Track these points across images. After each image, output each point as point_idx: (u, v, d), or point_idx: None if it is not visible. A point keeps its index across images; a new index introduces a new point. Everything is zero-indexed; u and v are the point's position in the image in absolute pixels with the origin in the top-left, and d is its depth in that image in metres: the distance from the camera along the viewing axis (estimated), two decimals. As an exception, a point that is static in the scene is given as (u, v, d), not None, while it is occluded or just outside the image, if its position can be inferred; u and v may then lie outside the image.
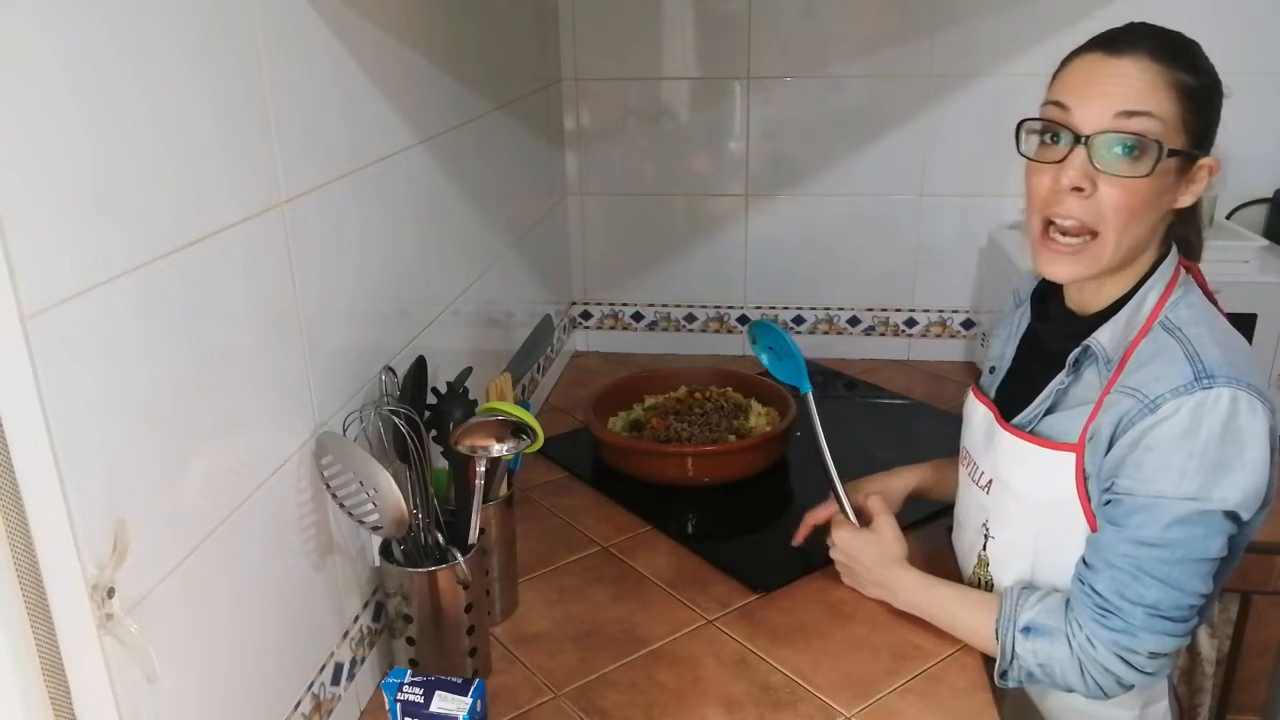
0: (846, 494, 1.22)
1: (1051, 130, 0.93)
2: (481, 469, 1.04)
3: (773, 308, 2.00)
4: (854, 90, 1.83)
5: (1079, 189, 0.91)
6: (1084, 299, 1.02)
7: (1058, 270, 0.96)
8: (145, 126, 0.68)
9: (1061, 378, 1.00)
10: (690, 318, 2.03)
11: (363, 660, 1.05)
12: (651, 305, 2.04)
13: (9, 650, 0.59)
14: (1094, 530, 0.97)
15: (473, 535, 1.05)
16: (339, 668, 1.00)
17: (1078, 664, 0.96)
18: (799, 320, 2.00)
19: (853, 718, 1.02)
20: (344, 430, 0.99)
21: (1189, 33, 0.93)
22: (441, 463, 1.12)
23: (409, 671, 0.95)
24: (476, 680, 0.94)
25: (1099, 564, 0.95)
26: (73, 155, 0.62)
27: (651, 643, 1.14)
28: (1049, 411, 1.01)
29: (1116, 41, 0.91)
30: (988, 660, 1.07)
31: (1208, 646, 1.42)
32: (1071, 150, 0.91)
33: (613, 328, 2.06)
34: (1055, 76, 0.95)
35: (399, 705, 0.92)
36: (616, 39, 1.86)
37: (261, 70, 0.83)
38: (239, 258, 0.80)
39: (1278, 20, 1.66)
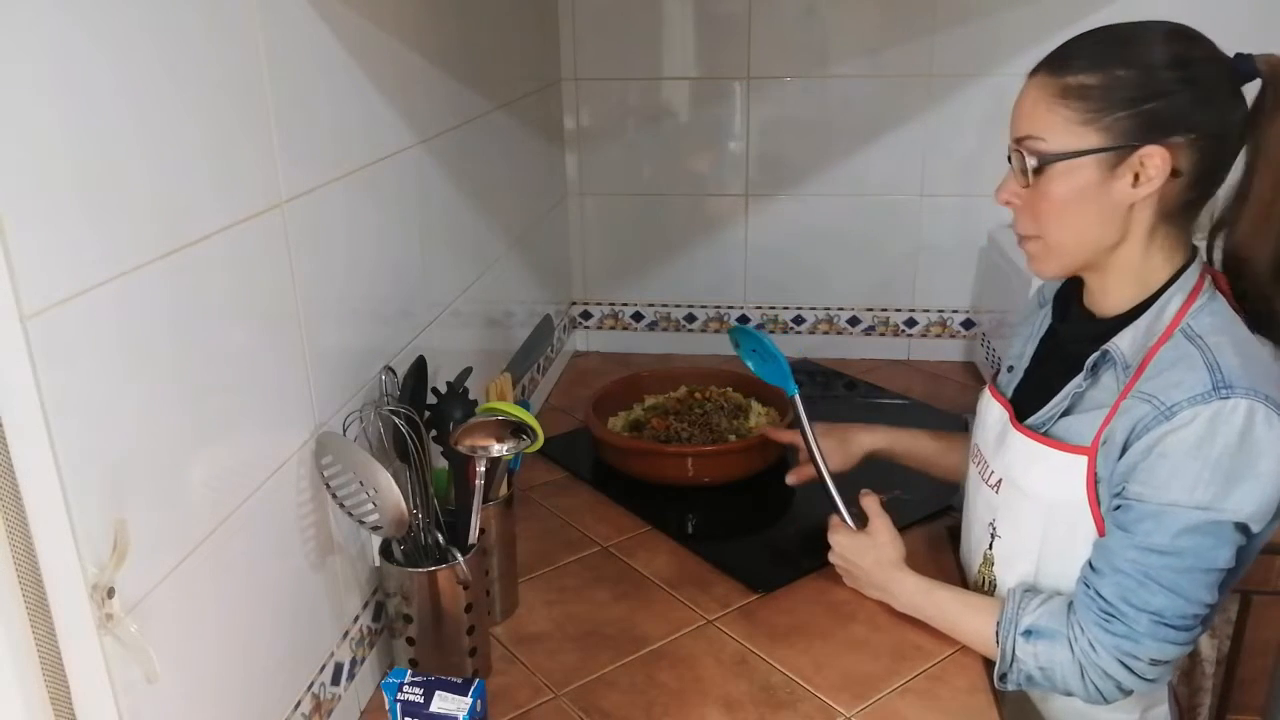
0: (838, 487, 1.22)
1: None
2: (481, 469, 1.04)
3: (773, 308, 2.00)
4: (854, 90, 1.83)
5: (1010, 203, 0.99)
6: (1096, 301, 1.02)
7: (1035, 269, 1.02)
8: (146, 126, 0.68)
9: (1079, 381, 0.99)
10: (690, 318, 2.03)
11: (363, 660, 1.05)
12: (651, 305, 2.04)
13: (9, 650, 0.59)
14: (1102, 535, 0.97)
15: (473, 535, 1.05)
16: (339, 668, 1.00)
17: (1078, 668, 0.96)
18: (799, 320, 2.00)
19: (853, 718, 1.02)
20: (344, 430, 0.99)
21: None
22: (441, 463, 1.12)
23: (409, 671, 0.95)
24: (476, 680, 0.94)
25: (1105, 569, 0.95)
26: (73, 155, 0.62)
27: (651, 643, 1.14)
28: (1065, 414, 1.01)
29: (1036, 65, 0.96)
30: (988, 661, 1.06)
31: (1208, 646, 1.42)
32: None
33: (613, 328, 2.06)
34: None
35: (399, 705, 0.92)
36: (616, 39, 1.86)
37: (261, 70, 0.83)
38: (239, 257, 0.80)
39: (1278, 20, 1.66)
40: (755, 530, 1.40)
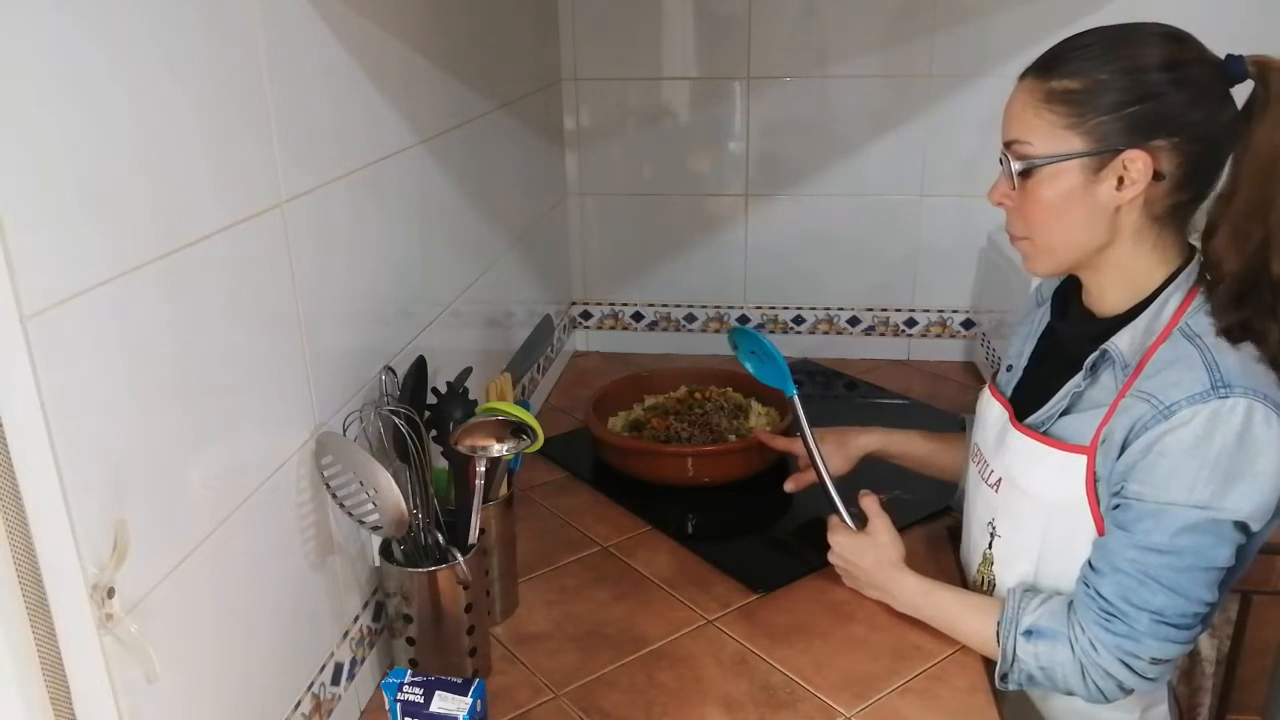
0: (838, 490, 1.22)
1: None
2: (481, 469, 1.04)
3: (773, 308, 2.00)
4: (854, 90, 1.83)
5: (1002, 204, 1.00)
6: (1094, 300, 1.02)
7: (1028, 268, 1.03)
8: (145, 127, 0.68)
9: (1078, 380, 0.99)
10: (690, 318, 2.03)
11: (363, 660, 1.05)
12: (651, 305, 2.04)
13: (9, 650, 0.59)
14: (1101, 534, 0.97)
15: (473, 535, 1.05)
16: (339, 668, 1.00)
17: (1079, 667, 0.96)
18: (799, 320, 2.00)
19: (853, 718, 1.02)
20: (344, 430, 0.99)
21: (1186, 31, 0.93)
22: (441, 463, 1.12)
23: (409, 671, 0.95)
24: (476, 680, 0.94)
25: (1105, 568, 0.95)
26: (73, 156, 0.62)
27: (651, 643, 1.14)
28: (1064, 413, 1.01)
29: (1026, 69, 0.97)
30: (988, 661, 1.06)
31: (1208, 646, 1.42)
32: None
33: (613, 328, 2.06)
34: None
35: (399, 705, 0.92)
36: (616, 39, 1.86)
37: (261, 70, 0.83)
38: (239, 258, 0.80)
39: (1278, 19, 1.66)
40: (755, 530, 1.40)
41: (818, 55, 1.82)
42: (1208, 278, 0.94)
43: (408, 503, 0.96)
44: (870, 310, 1.98)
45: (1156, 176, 0.91)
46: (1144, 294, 0.97)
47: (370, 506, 0.93)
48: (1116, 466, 0.94)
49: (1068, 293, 1.08)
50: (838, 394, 1.84)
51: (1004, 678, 1.02)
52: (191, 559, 0.75)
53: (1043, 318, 1.12)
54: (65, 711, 0.63)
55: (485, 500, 1.07)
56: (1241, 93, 0.92)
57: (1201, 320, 0.93)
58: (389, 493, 0.91)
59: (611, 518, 1.41)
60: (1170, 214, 0.95)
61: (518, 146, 1.63)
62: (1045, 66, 0.94)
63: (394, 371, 1.08)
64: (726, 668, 1.09)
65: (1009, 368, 1.14)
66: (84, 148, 0.63)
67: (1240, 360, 0.90)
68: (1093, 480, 0.97)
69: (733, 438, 1.49)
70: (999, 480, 1.06)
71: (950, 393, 1.81)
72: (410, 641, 1.04)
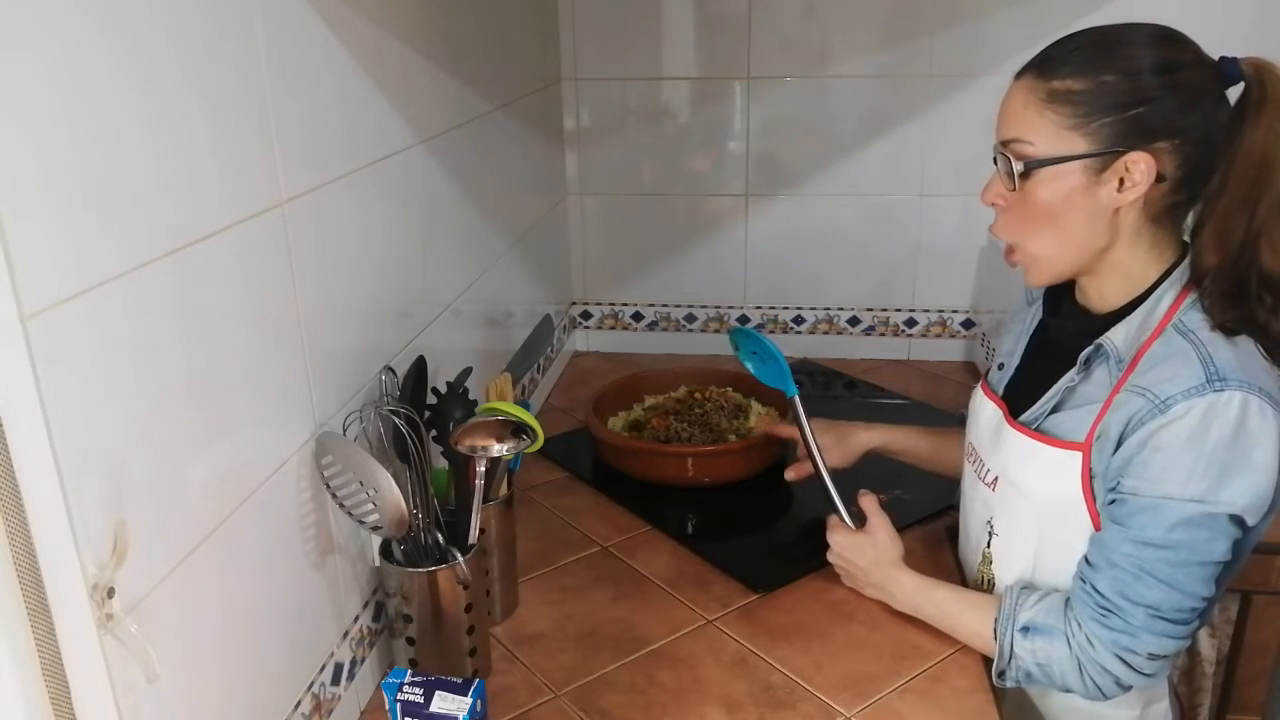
0: (836, 486, 1.22)
1: None
2: (481, 469, 1.04)
3: (773, 308, 2.00)
4: (854, 90, 1.83)
5: (995, 205, 1.00)
6: (1088, 297, 1.02)
7: (1027, 279, 1.03)
8: (145, 127, 0.68)
9: (1071, 375, 1.00)
10: (690, 318, 2.03)
11: (363, 660, 1.05)
12: (651, 305, 2.04)
13: (9, 650, 0.59)
14: (1098, 529, 0.97)
15: (473, 535, 1.05)
16: (339, 668, 1.00)
17: (1076, 664, 0.96)
18: (799, 320, 2.00)
19: (853, 718, 1.02)
20: (344, 430, 0.99)
21: (1187, 32, 0.93)
22: (441, 463, 1.12)
23: (409, 671, 0.95)
24: (476, 680, 0.94)
25: (1101, 563, 0.95)
26: (73, 156, 0.62)
27: (651, 643, 1.14)
28: (1055, 409, 1.01)
29: (1022, 68, 0.96)
30: (988, 660, 1.07)
31: (1208, 646, 1.42)
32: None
33: (613, 328, 2.06)
34: None
35: (399, 705, 0.92)
36: (616, 39, 1.86)
37: (261, 70, 0.83)
38: (239, 258, 0.80)
39: (1277, 19, 1.66)
40: (755, 530, 1.40)
41: (818, 55, 1.82)
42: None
43: (408, 503, 0.96)
44: (870, 310, 1.98)
45: (1158, 178, 0.91)
46: (1139, 291, 0.98)
47: (370, 506, 0.93)
48: (1112, 462, 0.94)
49: (1059, 290, 1.08)
50: (838, 394, 1.84)
51: (1001, 675, 1.02)
52: (192, 559, 0.75)
53: (1034, 315, 1.13)
54: (65, 711, 0.63)
55: (485, 500, 1.07)
56: (1232, 93, 0.93)
57: (1195, 316, 0.94)
58: (389, 493, 0.91)
59: (611, 518, 1.41)
60: (1167, 214, 0.95)
61: (518, 146, 1.63)
62: (1047, 66, 0.94)
63: (394, 371, 1.08)
64: (726, 668, 1.10)
65: (1000, 366, 1.14)
66: (82, 150, 0.63)
67: (1235, 354, 0.90)
68: (1088, 476, 0.97)
69: (733, 438, 1.49)
70: (995, 479, 1.06)
71: (950, 393, 1.81)
72: (410, 641, 1.04)
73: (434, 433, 1.10)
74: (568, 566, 1.30)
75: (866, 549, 1.16)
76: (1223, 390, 0.88)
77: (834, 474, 1.24)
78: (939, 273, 1.92)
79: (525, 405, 1.16)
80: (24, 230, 0.57)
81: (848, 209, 1.90)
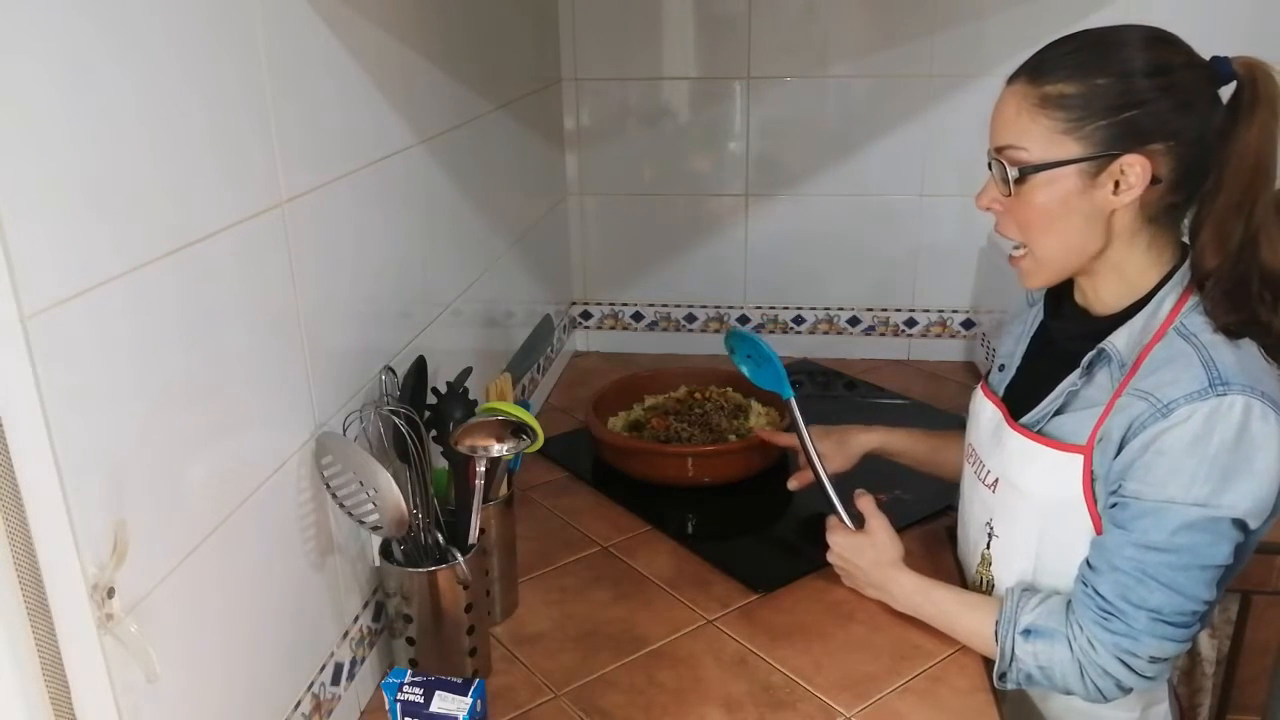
0: (835, 489, 1.22)
1: None
2: (481, 469, 1.04)
3: (772, 308, 2.00)
4: (854, 90, 1.83)
5: (991, 209, 1.00)
6: (1087, 299, 1.02)
7: (1023, 282, 1.03)
8: (145, 127, 0.68)
9: (1074, 379, 0.99)
10: (690, 318, 2.03)
11: (363, 660, 1.05)
12: (651, 305, 2.04)
13: (9, 650, 0.59)
14: (1099, 533, 0.97)
15: (473, 535, 1.05)
16: (339, 668, 1.00)
17: (1078, 666, 0.96)
18: (799, 320, 2.00)
19: (853, 718, 1.02)
20: (344, 430, 0.99)
21: (1184, 32, 0.93)
22: (441, 463, 1.12)
23: (409, 671, 0.95)
24: (476, 680, 0.94)
25: (1103, 566, 0.95)
26: (73, 156, 0.62)
27: (651, 643, 1.14)
28: (1058, 412, 1.01)
29: (1014, 73, 0.96)
30: (988, 660, 1.07)
31: (1208, 646, 1.42)
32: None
33: (613, 328, 2.06)
34: None
35: (399, 705, 0.92)
36: (616, 39, 1.86)
37: (261, 70, 0.83)
38: (239, 258, 0.80)
39: (1276, 19, 1.66)
40: (755, 530, 1.40)
41: (818, 55, 1.82)
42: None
43: (408, 503, 0.96)
44: (870, 310, 1.98)
45: (1153, 180, 0.91)
46: (1139, 293, 0.98)
47: (370, 506, 0.93)
48: (1114, 465, 0.94)
49: (1060, 291, 1.08)
50: (838, 394, 1.84)
51: (1002, 677, 1.02)
52: (192, 559, 0.75)
53: (1035, 317, 1.13)
54: (65, 711, 0.63)
55: (485, 500, 1.07)
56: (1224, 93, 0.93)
57: (1196, 319, 0.93)
58: (389, 493, 0.91)
59: (611, 518, 1.41)
60: (1164, 215, 0.95)
61: (518, 146, 1.63)
62: (1039, 70, 0.94)
63: (394, 371, 1.08)
64: (726, 668, 1.09)
65: (1001, 367, 1.14)
66: (82, 150, 0.63)
67: (1237, 357, 0.90)
68: (1090, 479, 0.97)
69: (733, 438, 1.49)
70: (995, 480, 1.06)
71: (950, 393, 1.81)
72: (410, 641, 1.04)
73: (434, 433, 1.10)
74: (568, 566, 1.30)
75: (866, 549, 1.16)
76: (1225, 394, 0.88)
77: (834, 476, 1.25)
78: (939, 273, 1.92)
79: (525, 405, 1.16)
80: (24, 230, 0.57)
81: (848, 209, 1.90)
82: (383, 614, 1.09)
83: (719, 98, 1.88)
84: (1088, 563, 0.98)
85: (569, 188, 1.97)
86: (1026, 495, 1.02)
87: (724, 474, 1.46)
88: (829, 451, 1.29)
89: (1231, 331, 0.92)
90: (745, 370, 1.35)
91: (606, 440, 1.50)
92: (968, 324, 1.96)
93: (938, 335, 1.98)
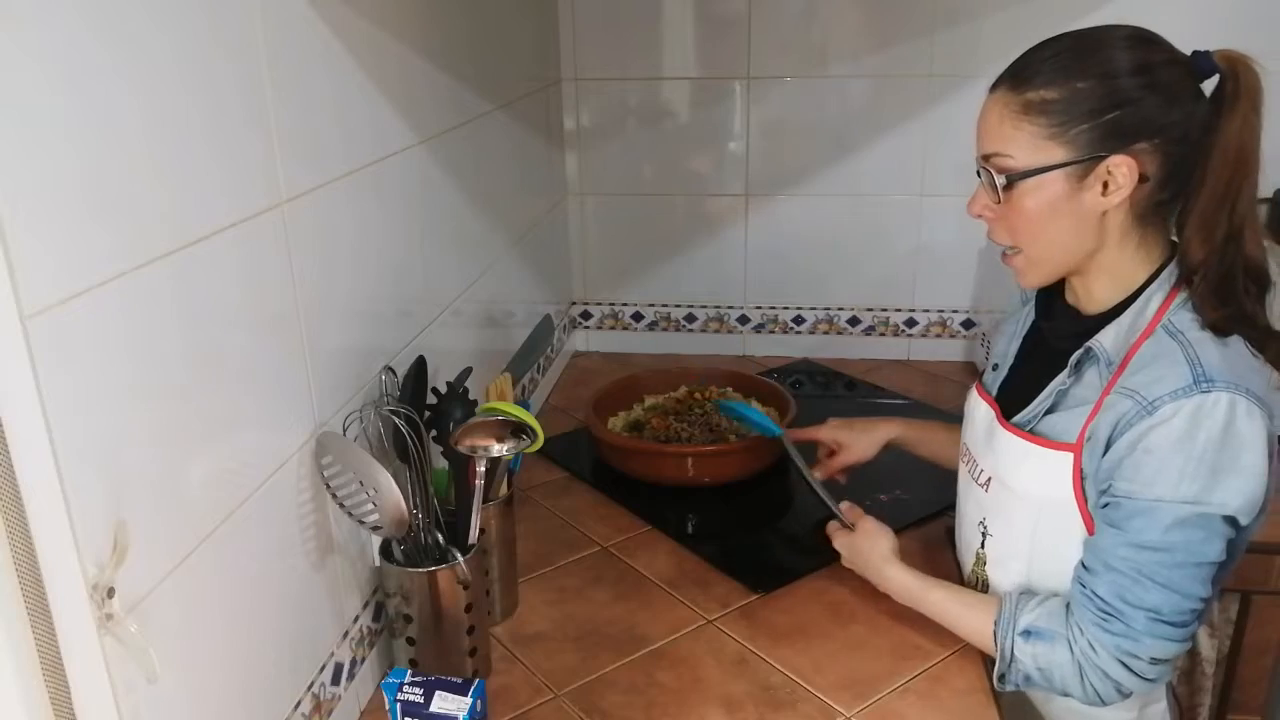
0: (833, 499, 1.25)
1: None
2: (481, 469, 1.04)
3: (772, 308, 2.00)
4: (854, 90, 1.83)
5: (982, 217, 1.00)
6: (1078, 298, 1.03)
7: (1019, 281, 1.03)
8: (145, 127, 0.68)
9: (1063, 378, 1.00)
10: (690, 318, 2.03)
11: (363, 660, 1.05)
12: (651, 305, 2.04)
13: (9, 650, 0.59)
14: (1090, 531, 0.97)
15: (473, 535, 1.05)
16: (339, 668, 1.00)
17: (1077, 668, 0.96)
18: (799, 320, 2.00)
19: (853, 718, 1.02)
20: (344, 430, 0.99)
21: (1184, 32, 0.93)
22: (441, 463, 1.12)
23: (409, 671, 0.95)
24: (476, 680, 0.94)
25: (1099, 567, 0.95)
26: (73, 156, 0.62)
27: (651, 643, 1.14)
28: (1049, 411, 1.01)
29: (996, 80, 0.96)
30: (988, 660, 1.07)
31: (1208, 646, 1.42)
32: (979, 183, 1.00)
33: (613, 328, 2.06)
34: None
35: (399, 705, 0.92)
36: (616, 39, 1.86)
37: (261, 71, 0.83)
38: (239, 258, 0.80)
39: (1275, 19, 1.66)
40: (755, 530, 1.40)
41: (818, 55, 1.82)
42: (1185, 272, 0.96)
43: (408, 503, 0.96)
44: (870, 310, 1.98)
45: (1141, 179, 0.91)
46: (1129, 290, 0.98)
47: (370, 506, 0.93)
48: (1103, 464, 0.94)
49: (1051, 291, 1.08)
50: (838, 394, 1.84)
51: (1002, 678, 1.02)
52: (192, 559, 0.75)
53: (1027, 316, 1.13)
54: (65, 711, 0.63)
55: (485, 500, 1.07)
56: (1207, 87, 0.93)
57: (1184, 316, 0.94)
58: (389, 493, 0.91)
59: (611, 518, 1.41)
60: (1153, 212, 0.95)
61: (518, 146, 1.63)
62: (1020, 77, 0.94)
63: (394, 371, 1.08)
64: (726, 668, 1.09)
65: (994, 367, 1.15)
66: (82, 150, 0.63)
67: (1222, 354, 0.91)
68: (1080, 477, 0.97)
69: (733, 438, 1.49)
70: (988, 480, 1.07)
71: (950, 393, 1.81)
72: (410, 641, 1.04)
73: (434, 433, 1.10)
74: (568, 566, 1.30)
75: (862, 546, 1.17)
76: (1210, 391, 0.88)
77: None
78: (939, 273, 1.92)
79: (525, 405, 1.16)
80: (24, 230, 0.57)
81: (848, 209, 1.90)
82: (383, 614, 1.09)
83: (719, 98, 1.87)
84: (1083, 564, 0.98)
85: (569, 188, 1.97)
86: (1018, 494, 1.02)
87: (724, 474, 1.46)
88: (852, 440, 1.34)
89: (1220, 328, 0.92)
90: (734, 417, 1.44)
91: (606, 440, 1.50)
92: (968, 324, 1.96)
93: (938, 335, 1.98)
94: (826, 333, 2.00)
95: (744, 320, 2.02)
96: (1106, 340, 0.97)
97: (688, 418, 1.55)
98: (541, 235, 1.79)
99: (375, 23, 1.06)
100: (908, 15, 1.77)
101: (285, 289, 0.88)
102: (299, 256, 0.90)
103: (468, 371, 1.16)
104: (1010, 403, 1.07)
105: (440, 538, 1.05)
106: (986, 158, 0.96)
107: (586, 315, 2.06)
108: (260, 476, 0.85)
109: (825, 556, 1.22)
